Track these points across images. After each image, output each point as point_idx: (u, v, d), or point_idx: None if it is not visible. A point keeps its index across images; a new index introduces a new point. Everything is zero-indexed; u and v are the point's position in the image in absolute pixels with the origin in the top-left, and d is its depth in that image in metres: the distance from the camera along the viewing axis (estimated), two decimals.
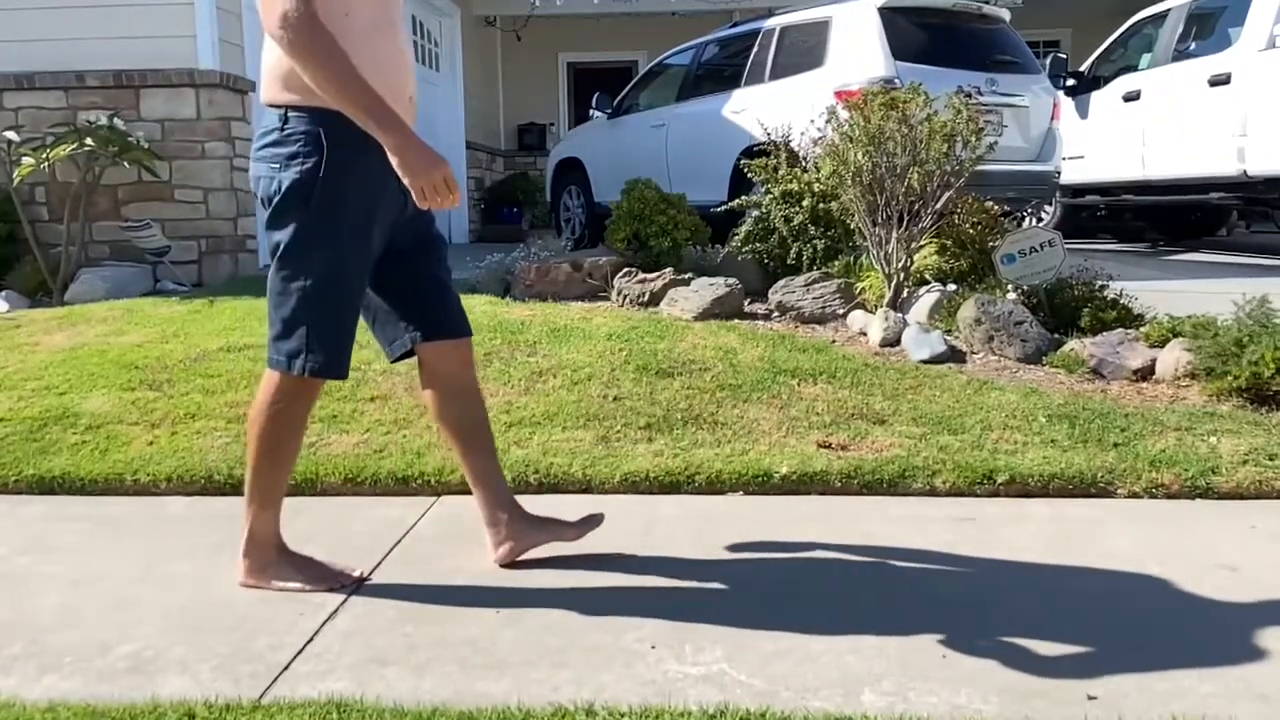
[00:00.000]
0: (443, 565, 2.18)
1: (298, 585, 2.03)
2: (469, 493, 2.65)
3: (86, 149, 4.98)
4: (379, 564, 2.18)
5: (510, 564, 2.15)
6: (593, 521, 2.17)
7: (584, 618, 1.91)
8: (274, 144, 1.90)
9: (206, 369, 3.40)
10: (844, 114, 4.18)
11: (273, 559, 2.05)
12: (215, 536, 2.38)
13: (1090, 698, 1.59)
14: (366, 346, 3.63)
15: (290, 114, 1.89)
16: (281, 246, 1.91)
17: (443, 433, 2.15)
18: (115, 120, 5.12)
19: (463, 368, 2.14)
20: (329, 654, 1.77)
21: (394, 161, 1.79)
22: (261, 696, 1.63)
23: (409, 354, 2.12)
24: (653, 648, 1.79)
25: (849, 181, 4.13)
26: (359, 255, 1.95)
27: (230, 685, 1.67)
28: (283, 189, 1.88)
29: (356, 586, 2.05)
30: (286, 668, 1.72)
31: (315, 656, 1.76)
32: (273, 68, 1.91)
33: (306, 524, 2.44)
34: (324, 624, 1.88)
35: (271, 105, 1.93)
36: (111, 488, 2.72)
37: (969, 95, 3.98)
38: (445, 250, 2.17)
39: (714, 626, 1.86)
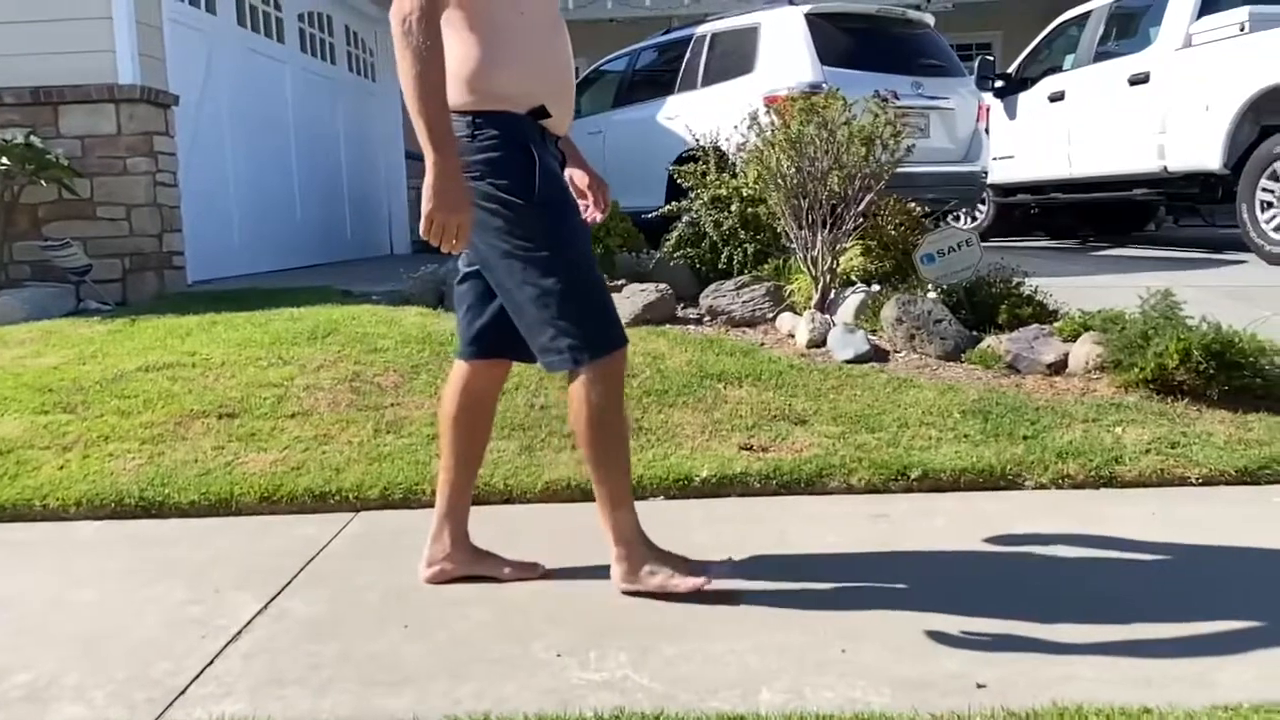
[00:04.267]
0: (354, 582, 2.16)
1: (673, 583, 1.97)
2: (389, 507, 2.67)
3: (3, 168, 4.86)
4: (288, 584, 2.16)
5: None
6: (531, 568, 2.16)
7: (493, 629, 1.91)
8: (465, 152, 1.83)
9: (123, 390, 3.34)
10: (765, 119, 4.24)
11: (646, 556, 2.00)
12: (124, 561, 2.34)
13: (979, 686, 1.63)
14: (291, 362, 3.61)
15: (477, 119, 1.86)
16: (520, 253, 1.86)
17: (448, 440, 2.13)
18: (33, 138, 5.00)
19: (498, 388, 2.21)
20: (228, 676, 1.75)
21: (426, 180, 1.77)
22: None
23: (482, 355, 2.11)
24: (558, 656, 1.79)
25: (773, 186, 4.19)
26: (585, 230, 1.98)
27: (124, 712, 1.64)
28: (503, 196, 1.85)
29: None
30: (183, 692, 1.70)
31: (214, 679, 1.74)
32: (454, 71, 1.85)
33: (217, 546, 2.41)
34: (225, 646, 1.86)
35: (453, 111, 1.84)
36: (20, 514, 2.65)
37: (885, 100, 4.05)
38: None
39: (621, 632, 1.87)
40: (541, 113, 1.93)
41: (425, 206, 1.77)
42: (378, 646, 1.85)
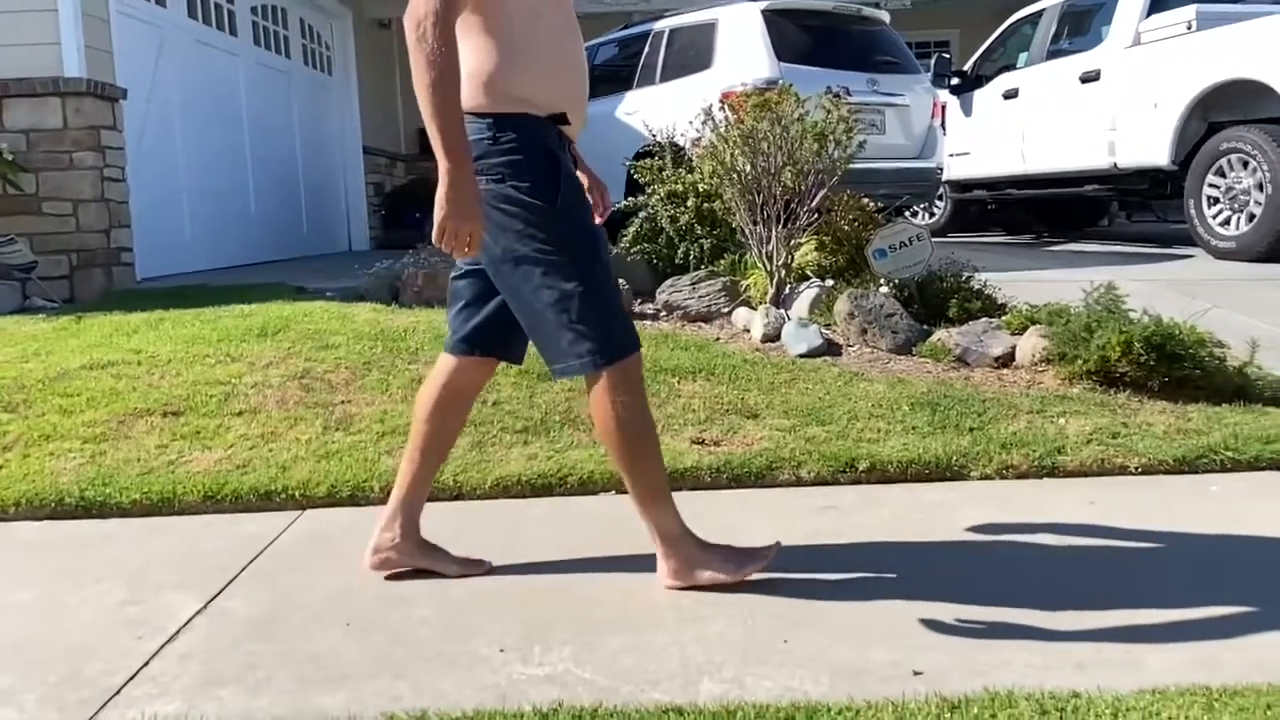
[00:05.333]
0: (297, 581, 2.14)
1: (724, 575, 1.98)
2: (336, 505, 2.64)
3: None
4: (229, 583, 2.13)
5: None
6: (477, 565, 2.16)
7: (436, 626, 1.90)
8: (486, 155, 1.83)
9: (66, 388, 3.27)
10: (720, 115, 4.25)
11: (693, 553, 1.99)
12: (62, 561, 2.30)
13: (916, 673, 1.65)
14: (239, 360, 3.56)
15: (498, 121, 1.84)
16: (539, 256, 1.84)
17: (419, 430, 2.11)
18: None
19: (480, 386, 2.19)
20: (164, 677, 1.72)
21: (439, 189, 1.74)
22: None
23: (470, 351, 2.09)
24: (501, 651, 1.79)
25: (728, 181, 4.20)
26: (601, 234, 1.98)
27: (55, 714, 1.61)
28: (525, 199, 1.83)
29: (192, 606, 2.00)
30: (117, 693, 1.67)
31: (149, 680, 1.71)
32: (473, 74, 1.83)
33: (158, 545, 2.38)
34: (162, 647, 1.83)
35: (472, 114, 1.83)
36: None
37: (837, 95, 4.08)
38: None
39: (566, 627, 1.87)
40: (561, 117, 1.92)
41: (437, 214, 1.75)
42: (318, 645, 1.83)
